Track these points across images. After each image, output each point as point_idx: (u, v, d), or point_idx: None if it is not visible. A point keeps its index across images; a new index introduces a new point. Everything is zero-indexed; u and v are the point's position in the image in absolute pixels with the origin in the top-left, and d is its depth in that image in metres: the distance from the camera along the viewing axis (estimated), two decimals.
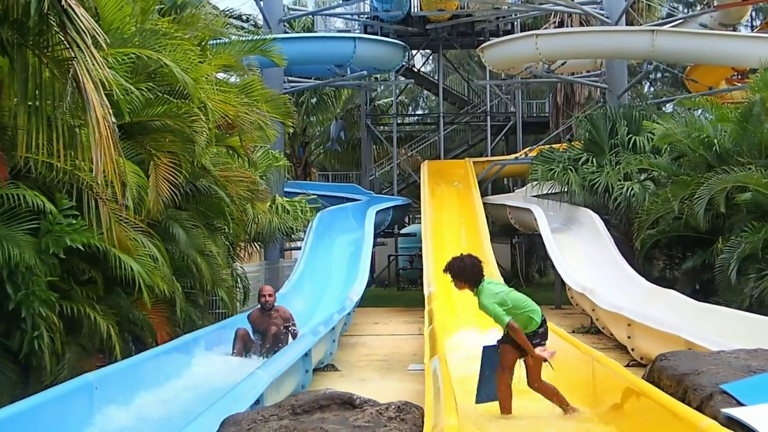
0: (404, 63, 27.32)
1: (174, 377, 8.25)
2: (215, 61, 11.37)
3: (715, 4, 22.72)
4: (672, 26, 22.92)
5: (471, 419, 6.73)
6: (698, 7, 32.84)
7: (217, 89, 10.51)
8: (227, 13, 25.69)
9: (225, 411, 5.38)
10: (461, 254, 7.40)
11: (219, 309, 12.14)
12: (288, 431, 4.64)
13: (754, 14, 30.43)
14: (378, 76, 30.18)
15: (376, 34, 26.13)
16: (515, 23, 28.48)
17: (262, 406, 6.04)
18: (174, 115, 9.24)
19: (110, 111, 6.22)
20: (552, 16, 28.38)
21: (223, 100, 10.43)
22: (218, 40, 12.65)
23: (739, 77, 23.09)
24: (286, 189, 21.47)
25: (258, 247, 17.90)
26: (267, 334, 9.89)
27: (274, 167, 16.10)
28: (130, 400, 7.06)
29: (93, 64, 5.95)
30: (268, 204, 15.54)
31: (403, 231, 29.23)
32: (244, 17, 29.25)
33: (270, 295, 10.31)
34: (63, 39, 5.94)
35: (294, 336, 10.18)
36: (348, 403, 5.26)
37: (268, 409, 5.31)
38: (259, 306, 10.38)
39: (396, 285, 27.45)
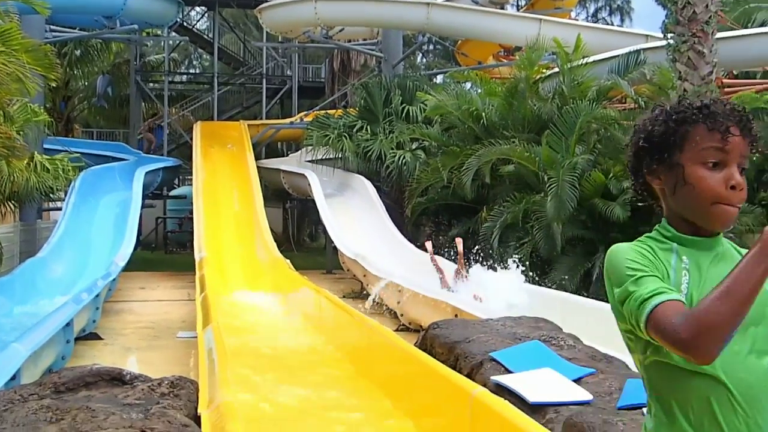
0: (178, 19, 26.31)
1: None
2: None
3: None
4: (447, 0, 23.67)
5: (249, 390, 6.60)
6: None
7: None
8: None
9: None
10: None
11: None
12: (50, 411, 4.24)
13: None
14: (149, 31, 28.81)
15: None
16: None
17: (18, 383, 5.55)
18: None
19: None
20: None
21: None
22: None
23: (506, 54, 24.33)
24: (45, 146, 19.98)
25: (12, 207, 16.63)
26: None
27: (32, 122, 14.93)
28: None
29: None
30: (26, 161, 14.43)
31: (172, 193, 28.29)
32: None
33: None
34: None
35: None
36: (117, 379, 4.93)
37: (26, 387, 4.86)
38: None
39: (164, 248, 26.59)
